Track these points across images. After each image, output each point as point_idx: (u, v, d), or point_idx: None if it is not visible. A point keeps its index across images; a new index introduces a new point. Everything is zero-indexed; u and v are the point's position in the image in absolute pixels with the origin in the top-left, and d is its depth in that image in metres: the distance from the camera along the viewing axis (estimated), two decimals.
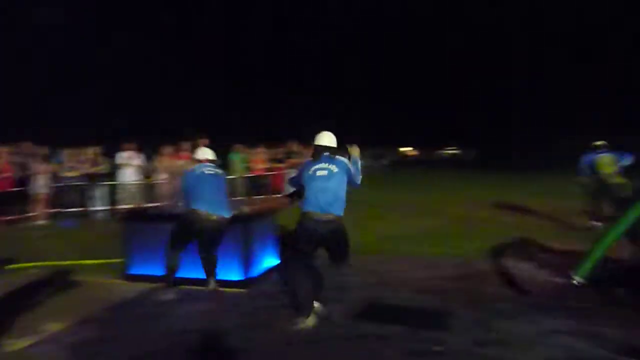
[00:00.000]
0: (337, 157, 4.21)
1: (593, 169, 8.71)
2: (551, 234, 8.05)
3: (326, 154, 4.21)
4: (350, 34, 59.01)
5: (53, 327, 4.16)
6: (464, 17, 56.99)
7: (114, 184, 11.19)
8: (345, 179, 4.14)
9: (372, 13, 66.84)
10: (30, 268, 6.29)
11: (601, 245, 5.00)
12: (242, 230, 5.22)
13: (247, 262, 5.22)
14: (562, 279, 5.21)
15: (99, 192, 11.13)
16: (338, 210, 4.07)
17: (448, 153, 64.13)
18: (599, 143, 8.91)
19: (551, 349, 3.60)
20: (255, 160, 12.86)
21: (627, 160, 8.49)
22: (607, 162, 8.49)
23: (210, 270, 5.01)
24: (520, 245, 7.26)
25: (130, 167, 11.03)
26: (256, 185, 12.77)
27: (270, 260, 5.91)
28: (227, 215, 4.95)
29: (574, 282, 4.65)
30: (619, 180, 8.30)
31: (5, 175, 9.55)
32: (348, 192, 4.23)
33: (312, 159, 4.26)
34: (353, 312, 4.41)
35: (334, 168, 4.12)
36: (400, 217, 10.49)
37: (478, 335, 3.87)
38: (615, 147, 8.90)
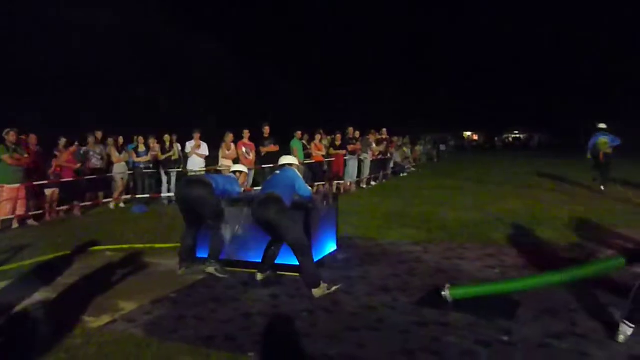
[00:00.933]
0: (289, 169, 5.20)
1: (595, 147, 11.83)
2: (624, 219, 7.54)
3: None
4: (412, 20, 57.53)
5: (128, 306, 4.41)
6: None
7: (182, 171, 11.65)
8: (288, 184, 4.97)
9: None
10: (107, 251, 6.70)
11: (512, 284, 4.37)
12: (305, 215, 5.26)
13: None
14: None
15: (169, 179, 11.64)
16: (277, 191, 4.83)
17: (512, 137, 61.66)
18: (601, 126, 11.87)
19: (632, 345, 3.37)
20: (315, 147, 12.91)
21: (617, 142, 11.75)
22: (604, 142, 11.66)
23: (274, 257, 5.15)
24: (594, 232, 6.88)
25: (197, 155, 11.42)
26: (316, 171, 12.85)
27: (331, 245, 5.95)
28: None
29: (444, 293, 4.14)
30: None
31: (69, 165, 10.24)
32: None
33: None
34: (416, 299, 4.37)
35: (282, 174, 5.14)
36: (458, 205, 10.21)
37: (549, 325, 3.70)
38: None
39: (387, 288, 4.72)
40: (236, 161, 11.12)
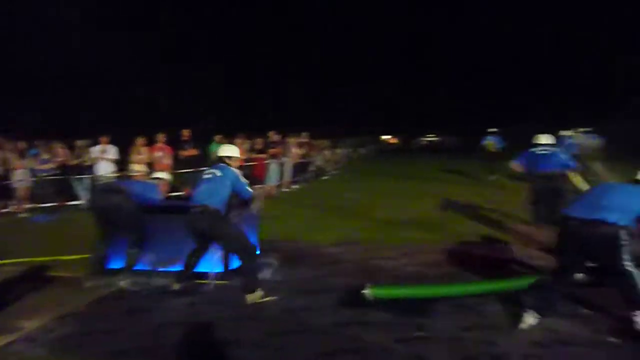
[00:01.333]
0: (230, 171, 4.92)
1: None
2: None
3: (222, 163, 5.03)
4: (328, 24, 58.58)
5: (30, 325, 4.06)
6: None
7: (90, 177, 10.97)
8: (227, 183, 4.81)
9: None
10: (5, 265, 6.13)
11: (444, 289, 4.50)
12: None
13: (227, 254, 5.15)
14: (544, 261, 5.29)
15: (78, 185, 10.92)
16: (213, 203, 4.64)
17: (427, 140, 64.76)
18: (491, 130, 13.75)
19: (533, 331, 3.65)
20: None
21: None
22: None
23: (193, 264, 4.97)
24: (502, 227, 7.37)
25: (104, 160, 10.84)
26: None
27: None
28: None
29: (365, 291, 4.21)
30: None
31: None
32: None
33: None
34: (336, 300, 4.42)
35: (218, 173, 4.88)
36: (385, 205, 10.52)
37: (461, 319, 3.90)
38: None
39: (308, 290, 4.74)
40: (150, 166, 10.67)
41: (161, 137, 11.29)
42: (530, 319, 3.73)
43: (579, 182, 7.93)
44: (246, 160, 12.80)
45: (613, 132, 14.42)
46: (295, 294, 4.65)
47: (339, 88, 55.69)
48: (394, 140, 67.85)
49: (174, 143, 11.60)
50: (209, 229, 4.58)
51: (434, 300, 4.28)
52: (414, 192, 12.78)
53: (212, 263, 5.09)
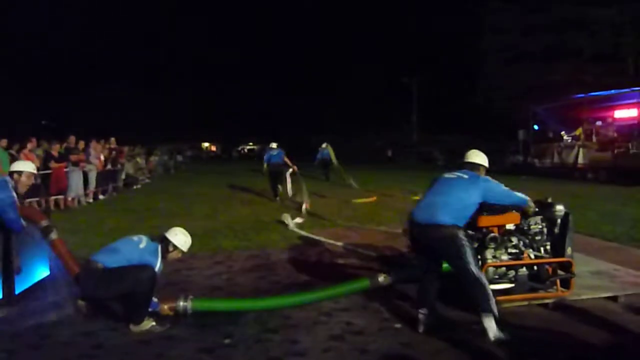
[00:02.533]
0: None
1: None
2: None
3: None
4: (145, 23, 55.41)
5: None
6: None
7: None
8: None
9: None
10: None
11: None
12: (3, 236, 4.43)
13: (9, 276, 4.44)
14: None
15: None
16: None
17: (246, 149, 65.81)
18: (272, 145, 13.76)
19: (332, 326, 3.95)
20: (25, 157, 11.05)
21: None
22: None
23: None
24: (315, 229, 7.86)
25: None
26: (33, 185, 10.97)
27: (43, 270, 5.17)
28: None
29: (182, 304, 4.09)
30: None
31: None
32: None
33: None
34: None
35: None
36: (198, 212, 10.31)
37: (267, 322, 4.02)
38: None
39: (107, 309, 4.34)
40: None
41: None
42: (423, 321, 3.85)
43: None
44: (43, 169, 11.28)
45: None
46: (92, 314, 4.21)
47: (158, 93, 53.07)
48: (214, 148, 67.33)
49: None
50: None
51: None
52: (228, 199, 12.84)
53: None
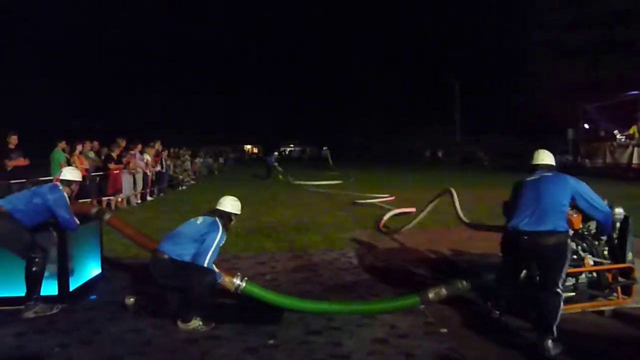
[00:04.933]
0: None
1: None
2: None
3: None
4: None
5: None
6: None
7: None
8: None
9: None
10: None
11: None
12: (59, 237, 4.63)
13: (64, 273, 4.63)
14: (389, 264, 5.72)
15: None
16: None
17: (287, 151, 66.48)
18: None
19: (376, 329, 3.90)
20: (79, 159, 11.53)
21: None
22: None
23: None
24: (346, 235, 7.81)
25: None
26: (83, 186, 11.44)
27: (95, 268, 5.37)
28: None
29: (238, 282, 4.23)
30: None
31: None
32: None
33: None
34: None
35: None
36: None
37: (311, 324, 4.01)
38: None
39: (154, 309, 4.45)
40: None
41: None
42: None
43: None
44: (97, 171, 11.75)
45: None
46: (141, 312, 4.33)
47: (199, 96, 54.37)
48: (255, 150, 68.41)
49: None
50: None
51: (284, 309, 4.31)
52: (269, 201, 12.95)
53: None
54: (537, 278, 3.76)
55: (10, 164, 10.03)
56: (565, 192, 3.67)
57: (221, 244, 4.10)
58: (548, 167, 3.92)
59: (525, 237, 3.62)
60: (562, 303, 3.48)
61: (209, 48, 60.13)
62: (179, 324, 3.95)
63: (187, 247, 4.04)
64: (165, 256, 4.03)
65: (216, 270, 4.08)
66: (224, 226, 4.18)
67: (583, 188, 3.74)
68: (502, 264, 4.16)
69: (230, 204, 4.32)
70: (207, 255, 3.97)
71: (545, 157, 3.98)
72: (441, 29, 48.29)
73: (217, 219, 4.19)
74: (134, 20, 50.56)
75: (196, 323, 3.94)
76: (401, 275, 5.49)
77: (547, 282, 3.52)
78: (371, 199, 12.60)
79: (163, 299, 4.23)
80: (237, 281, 4.22)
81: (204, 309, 4.03)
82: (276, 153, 25.62)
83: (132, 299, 4.29)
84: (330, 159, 25.21)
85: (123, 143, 13.00)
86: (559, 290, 3.46)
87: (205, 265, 3.96)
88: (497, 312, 3.99)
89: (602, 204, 3.82)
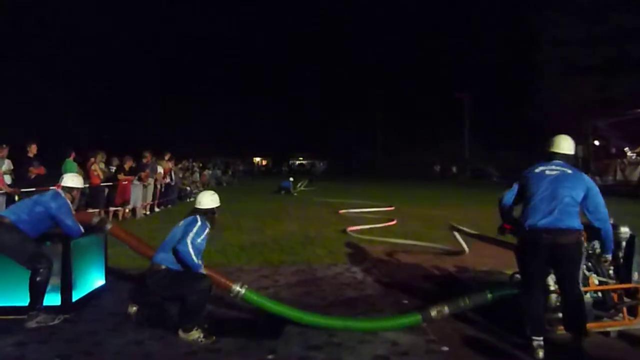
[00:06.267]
0: None
1: None
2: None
3: None
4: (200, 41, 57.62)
5: None
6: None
7: None
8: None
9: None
10: None
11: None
12: (62, 247, 4.65)
13: (67, 284, 4.65)
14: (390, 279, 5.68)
15: None
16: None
17: (297, 163, 66.70)
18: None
19: (377, 346, 3.86)
20: (92, 169, 11.64)
21: None
22: None
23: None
24: (352, 248, 7.78)
25: None
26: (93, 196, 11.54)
27: (98, 279, 5.39)
28: None
29: (238, 288, 4.23)
30: None
31: None
32: None
33: None
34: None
35: None
36: (242, 228, 10.47)
37: (311, 339, 3.98)
38: None
39: (156, 320, 4.45)
40: None
41: None
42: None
43: None
44: (106, 181, 11.84)
45: None
46: (144, 324, 4.33)
47: (210, 108, 54.79)
48: (265, 162, 68.69)
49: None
50: None
51: (286, 322, 4.27)
52: (276, 213, 12.96)
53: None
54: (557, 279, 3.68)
55: (34, 172, 10.17)
56: (580, 192, 3.58)
57: (203, 233, 4.14)
58: (566, 158, 3.77)
59: (546, 236, 3.49)
60: (585, 304, 3.50)
61: (220, 60, 60.66)
62: (180, 333, 3.97)
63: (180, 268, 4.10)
64: (162, 267, 4.07)
65: (199, 262, 4.08)
66: (209, 221, 4.28)
67: (595, 189, 3.66)
68: (523, 272, 3.84)
69: (209, 200, 4.40)
70: (186, 239, 4.02)
71: (565, 145, 3.80)
72: (453, 43, 48.39)
73: (197, 216, 4.25)
74: (145, 32, 51.27)
75: (197, 334, 3.94)
76: (405, 291, 5.45)
77: (572, 281, 3.46)
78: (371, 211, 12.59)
79: (164, 310, 4.23)
80: (237, 288, 4.24)
81: (204, 321, 4.04)
82: (285, 168, 25.51)
83: (134, 308, 4.30)
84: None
85: (149, 157, 13.25)
86: (582, 291, 3.44)
87: (189, 246, 3.98)
88: (537, 339, 3.53)
89: (606, 213, 3.71)
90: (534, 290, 3.69)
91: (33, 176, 9.83)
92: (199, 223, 4.17)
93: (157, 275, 4.07)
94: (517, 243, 3.87)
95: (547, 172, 3.68)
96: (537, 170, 3.74)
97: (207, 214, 4.34)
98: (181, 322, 4.00)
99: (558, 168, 3.68)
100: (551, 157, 3.78)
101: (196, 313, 3.99)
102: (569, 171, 3.66)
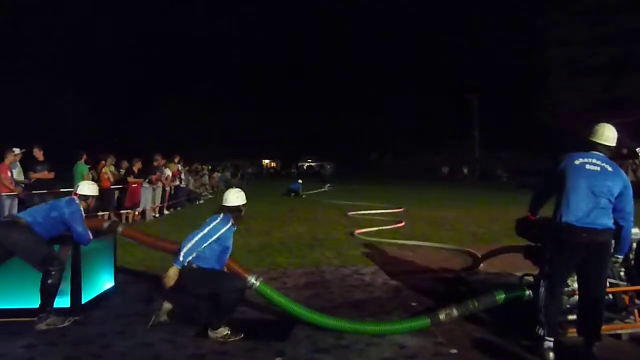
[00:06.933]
0: None
1: None
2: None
3: None
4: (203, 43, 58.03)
5: None
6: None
7: None
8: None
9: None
10: None
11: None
12: (72, 250, 4.69)
13: (77, 286, 4.69)
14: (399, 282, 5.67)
15: None
16: None
17: (306, 166, 66.67)
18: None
19: (384, 349, 3.85)
20: (103, 173, 11.75)
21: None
22: None
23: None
24: (361, 249, 7.76)
25: None
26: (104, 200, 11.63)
27: (108, 281, 5.43)
28: None
29: (252, 281, 4.29)
30: None
31: None
32: None
33: None
34: (192, 331, 4.24)
35: None
36: (251, 230, 10.49)
37: (319, 342, 3.98)
38: None
39: (167, 323, 4.47)
40: None
41: None
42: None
43: None
44: (116, 184, 11.94)
45: None
46: (152, 327, 4.35)
47: (219, 111, 55.10)
48: (274, 165, 68.84)
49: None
50: None
51: (295, 325, 4.29)
52: (285, 216, 12.97)
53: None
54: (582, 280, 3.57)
55: (34, 176, 10.28)
56: (617, 190, 3.42)
57: (217, 233, 4.16)
58: (608, 149, 3.56)
59: (584, 235, 3.35)
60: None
61: (230, 63, 61.03)
62: (209, 332, 4.04)
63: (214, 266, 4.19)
64: (194, 266, 4.11)
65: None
66: (234, 219, 4.31)
67: (630, 189, 3.52)
68: (552, 270, 3.64)
69: (235, 198, 4.38)
70: (199, 234, 4.13)
71: (609, 136, 3.57)
72: (461, 44, 48.33)
73: (220, 215, 4.28)
74: (154, 36, 51.78)
75: (225, 332, 4.01)
76: (413, 294, 5.43)
77: (599, 282, 3.40)
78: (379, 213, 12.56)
79: (196, 309, 4.26)
80: (252, 279, 4.30)
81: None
82: (294, 170, 25.52)
83: (168, 305, 4.31)
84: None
85: (160, 161, 13.35)
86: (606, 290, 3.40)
87: (186, 242, 4.08)
88: (549, 340, 3.46)
89: (633, 214, 3.60)
90: (557, 290, 3.57)
91: (32, 180, 9.95)
92: (217, 222, 4.20)
93: (190, 273, 4.10)
94: (549, 240, 3.65)
95: (588, 167, 3.48)
96: (577, 163, 3.52)
97: (233, 212, 4.34)
98: (211, 322, 4.06)
99: (600, 163, 3.47)
100: (592, 147, 3.57)
101: (228, 312, 4.06)
102: (610, 169, 3.45)
